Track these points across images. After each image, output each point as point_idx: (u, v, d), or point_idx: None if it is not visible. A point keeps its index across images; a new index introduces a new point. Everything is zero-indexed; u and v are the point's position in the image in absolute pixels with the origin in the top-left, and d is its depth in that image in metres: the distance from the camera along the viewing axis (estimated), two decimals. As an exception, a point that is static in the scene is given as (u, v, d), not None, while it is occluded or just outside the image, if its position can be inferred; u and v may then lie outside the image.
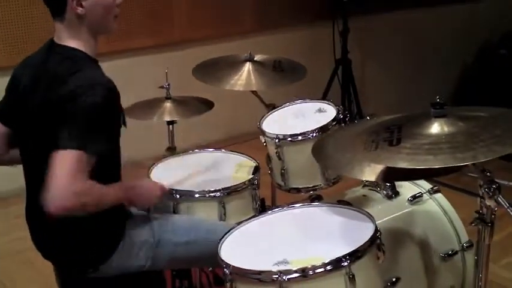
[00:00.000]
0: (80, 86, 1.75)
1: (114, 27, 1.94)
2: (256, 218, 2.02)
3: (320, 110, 2.47)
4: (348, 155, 1.87)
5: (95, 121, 1.76)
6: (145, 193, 2.01)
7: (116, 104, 1.82)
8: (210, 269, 2.47)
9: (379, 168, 1.87)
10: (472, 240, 2.21)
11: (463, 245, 2.24)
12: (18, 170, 2.05)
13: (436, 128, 1.63)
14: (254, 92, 2.72)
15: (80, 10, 1.83)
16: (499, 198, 1.61)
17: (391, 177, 2.00)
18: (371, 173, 1.87)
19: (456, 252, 2.22)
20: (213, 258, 1.87)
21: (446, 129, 1.62)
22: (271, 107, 2.62)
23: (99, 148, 1.75)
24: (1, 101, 2.05)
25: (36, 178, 1.92)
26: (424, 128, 1.64)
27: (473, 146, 1.51)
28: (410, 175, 1.96)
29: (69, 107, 1.74)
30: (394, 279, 2.05)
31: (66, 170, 1.69)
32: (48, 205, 1.68)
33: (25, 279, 3.27)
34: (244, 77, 2.68)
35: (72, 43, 1.87)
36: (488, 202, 1.64)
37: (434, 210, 2.27)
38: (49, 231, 1.94)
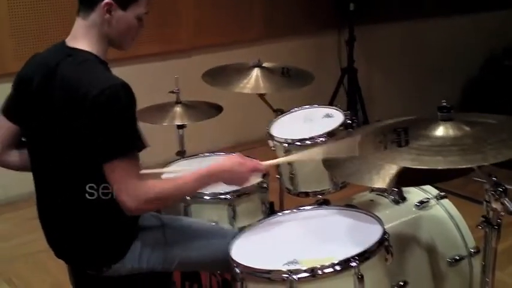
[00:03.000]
0: (103, 89, 1.77)
1: (129, 46, 1.98)
2: (266, 219, 2.05)
3: (328, 115, 2.50)
4: (357, 160, 1.89)
5: (129, 120, 1.80)
6: (236, 177, 1.99)
7: (135, 101, 1.85)
8: (219, 272, 2.49)
9: (388, 175, 1.89)
10: (478, 246, 2.22)
11: (469, 251, 2.25)
12: (27, 174, 2.07)
13: (443, 131, 1.66)
14: (262, 98, 2.75)
15: (107, 16, 1.87)
16: (505, 201, 1.62)
17: (401, 183, 2.00)
18: (380, 180, 1.89)
19: (463, 258, 2.23)
20: (222, 262, 1.90)
21: (452, 132, 1.65)
22: (279, 112, 2.66)
23: (141, 143, 1.83)
24: (8, 99, 2.04)
25: (48, 177, 1.96)
26: (432, 131, 1.66)
27: (482, 149, 1.53)
28: (420, 180, 1.97)
29: (98, 115, 1.77)
30: (401, 283, 2.06)
31: (124, 183, 1.77)
32: (125, 210, 1.80)
33: (38, 280, 3.30)
34: (253, 81, 2.72)
35: (85, 44, 1.89)
36: (495, 205, 1.65)
37: (441, 215, 2.28)
38: (63, 230, 1.96)
